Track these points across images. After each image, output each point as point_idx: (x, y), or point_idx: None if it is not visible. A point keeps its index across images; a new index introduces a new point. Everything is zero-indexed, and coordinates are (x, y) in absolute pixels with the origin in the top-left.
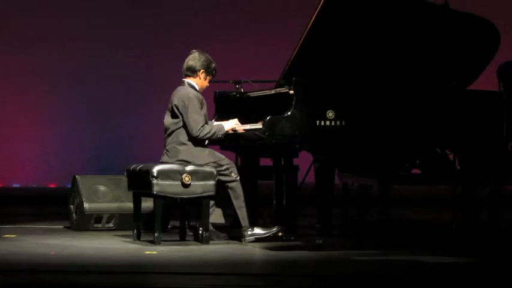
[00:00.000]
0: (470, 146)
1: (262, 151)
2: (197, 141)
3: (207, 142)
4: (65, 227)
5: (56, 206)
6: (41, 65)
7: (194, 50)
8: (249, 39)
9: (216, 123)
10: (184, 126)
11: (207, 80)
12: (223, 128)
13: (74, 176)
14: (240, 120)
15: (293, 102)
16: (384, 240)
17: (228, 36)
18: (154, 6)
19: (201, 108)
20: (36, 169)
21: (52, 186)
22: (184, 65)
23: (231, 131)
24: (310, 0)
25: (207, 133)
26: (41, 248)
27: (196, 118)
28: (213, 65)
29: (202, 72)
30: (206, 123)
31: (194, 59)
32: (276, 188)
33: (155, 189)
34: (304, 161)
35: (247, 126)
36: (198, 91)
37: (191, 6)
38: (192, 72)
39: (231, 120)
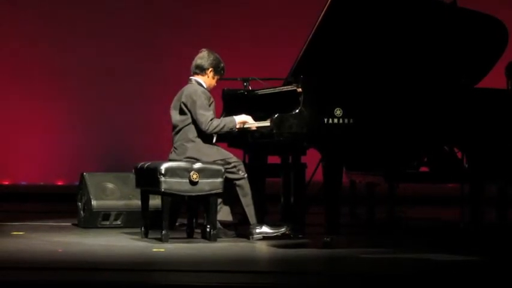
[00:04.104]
0: (478, 144)
1: (270, 149)
2: (205, 139)
3: (215, 139)
4: (72, 224)
5: (64, 204)
6: (49, 64)
7: (204, 49)
8: (257, 37)
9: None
10: (193, 123)
11: (215, 80)
12: (234, 120)
13: (82, 174)
14: None
15: (301, 100)
16: (391, 238)
17: (236, 34)
18: (161, 4)
19: (209, 105)
20: (44, 166)
21: (60, 183)
22: (193, 63)
23: (241, 125)
24: None
25: (217, 126)
26: (49, 245)
27: (205, 113)
28: (222, 64)
29: (211, 71)
30: None
31: (203, 57)
32: (283, 185)
33: (163, 187)
34: (312, 158)
35: (256, 124)
36: (205, 89)
37: (199, 3)
38: (201, 70)
39: (243, 115)
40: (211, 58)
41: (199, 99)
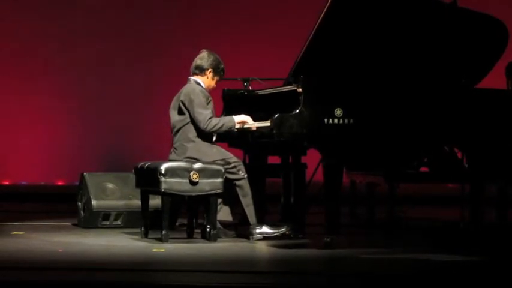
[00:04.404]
0: (478, 144)
1: (270, 149)
2: (205, 138)
3: (214, 139)
4: (72, 224)
5: (64, 204)
6: (49, 64)
7: (204, 50)
8: (257, 37)
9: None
10: (192, 122)
11: (215, 81)
12: (233, 119)
13: (82, 174)
14: None
15: (301, 100)
16: (391, 238)
17: (236, 34)
18: (161, 4)
19: (208, 104)
20: (44, 166)
21: (60, 183)
22: (193, 64)
23: (241, 125)
24: None
25: (215, 125)
26: (49, 245)
27: (203, 111)
28: (222, 65)
29: (210, 71)
30: None
31: (203, 58)
32: (284, 185)
33: (163, 187)
34: (312, 158)
35: (256, 124)
36: (204, 88)
37: (199, 3)
38: (200, 71)
39: (243, 115)
40: (211, 59)
41: (197, 98)
